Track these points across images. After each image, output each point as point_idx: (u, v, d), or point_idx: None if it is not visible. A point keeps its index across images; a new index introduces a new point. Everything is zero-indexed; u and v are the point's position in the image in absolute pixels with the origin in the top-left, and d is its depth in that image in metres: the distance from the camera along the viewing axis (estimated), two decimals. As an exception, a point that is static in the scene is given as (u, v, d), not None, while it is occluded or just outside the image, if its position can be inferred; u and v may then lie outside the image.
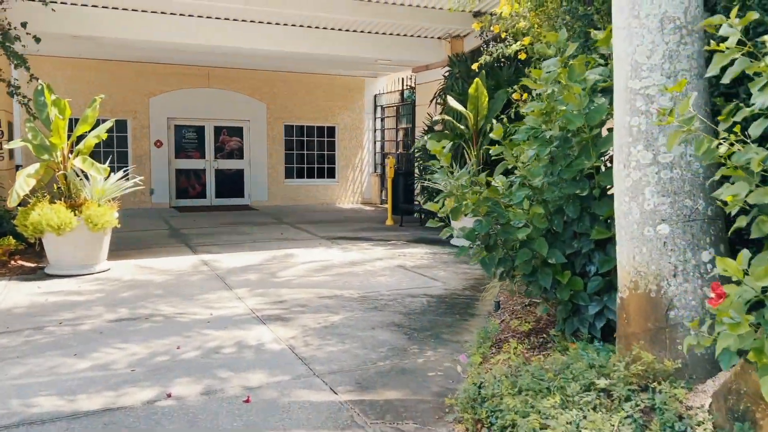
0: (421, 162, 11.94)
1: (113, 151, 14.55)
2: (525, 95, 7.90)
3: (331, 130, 16.65)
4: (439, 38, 12.45)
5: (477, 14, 11.15)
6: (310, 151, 16.51)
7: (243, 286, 6.60)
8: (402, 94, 15.48)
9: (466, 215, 4.15)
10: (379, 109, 16.78)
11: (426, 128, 12.06)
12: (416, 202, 12.44)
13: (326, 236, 10.44)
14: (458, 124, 9.52)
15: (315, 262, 8.05)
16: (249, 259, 8.23)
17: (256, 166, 15.71)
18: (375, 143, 16.98)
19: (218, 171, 15.50)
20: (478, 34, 11.41)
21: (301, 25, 11.29)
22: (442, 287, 6.55)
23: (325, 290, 6.40)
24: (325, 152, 16.67)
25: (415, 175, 12.30)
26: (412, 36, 12.28)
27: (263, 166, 15.78)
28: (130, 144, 14.60)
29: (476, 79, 9.08)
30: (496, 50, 10.38)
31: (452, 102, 9.12)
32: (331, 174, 16.75)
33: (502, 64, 10.53)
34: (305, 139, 16.42)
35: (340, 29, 11.62)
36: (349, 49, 11.74)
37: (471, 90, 9.18)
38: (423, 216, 12.07)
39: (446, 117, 9.43)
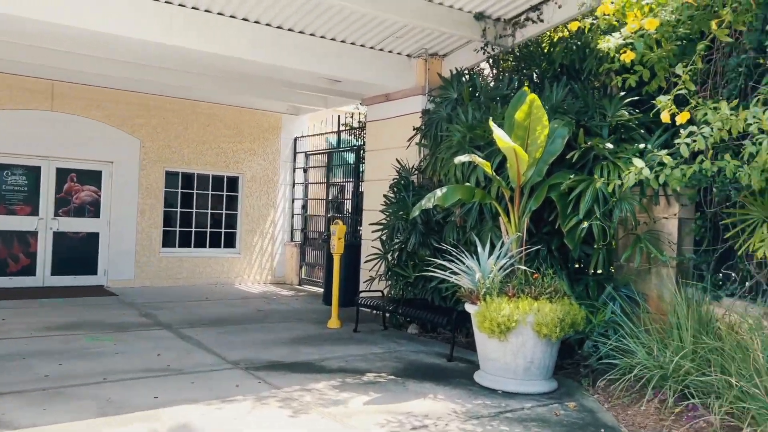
0: (388, 230, 7.80)
1: None
2: (684, 115, 4.09)
3: (233, 182, 12.09)
4: (408, 56, 8.63)
5: (479, 17, 7.50)
6: (202, 210, 11.79)
7: None
8: (338, 136, 11.41)
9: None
10: (300, 156, 12.53)
11: (397, 179, 7.99)
12: (371, 291, 8.14)
13: (243, 362, 5.86)
14: (492, 171, 5.54)
15: (247, 462, 3.54)
16: (87, 454, 3.55)
17: (119, 229, 10.70)
18: (293, 202, 12.61)
19: (59, 234, 10.30)
20: (480, 48, 7.74)
21: (195, 8, 6.96)
22: None
23: None
24: (224, 211, 12.01)
25: (377, 250, 8.08)
26: (372, 48, 8.35)
27: (130, 229, 10.80)
28: None
29: (531, 97, 5.21)
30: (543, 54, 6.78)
31: (499, 133, 5.13)
32: (231, 242, 12.06)
33: (535, 83, 6.84)
34: (195, 191, 11.70)
35: (260, 23, 7.42)
36: (272, 53, 7.51)
37: (519, 116, 5.29)
38: (387, 315, 7.83)
39: (478, 159, 5.40)
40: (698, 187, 4.96)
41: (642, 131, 5.78)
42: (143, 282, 10.86)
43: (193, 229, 11.67)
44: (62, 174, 10.33)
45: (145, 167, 10.95)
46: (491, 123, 5.16)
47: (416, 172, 8.12)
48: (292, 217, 12.60)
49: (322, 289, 11.24)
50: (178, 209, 11.51)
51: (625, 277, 5.84)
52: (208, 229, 11.83)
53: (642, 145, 5.59)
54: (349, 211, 11.16)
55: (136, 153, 10.84)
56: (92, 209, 10.58)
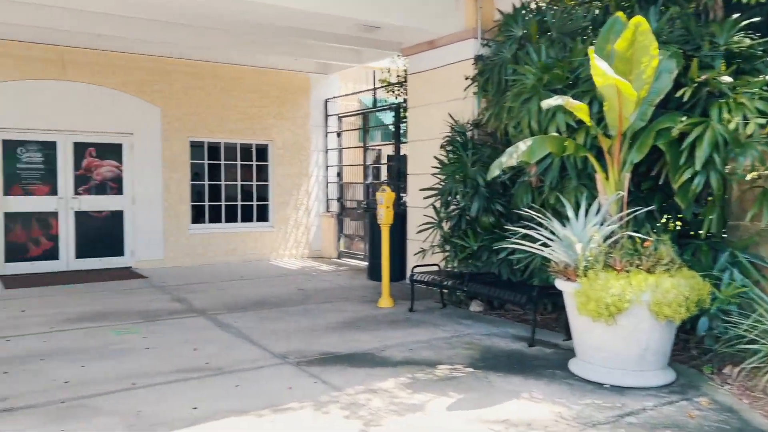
0: (442, 196, 6.83)
1: None
2: None
3: (263, 151, 11.21)
4: (455, -7, 7.54)
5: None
6: (231, 182, 10.96)
7: None
8: (374, 94, 10.40)
9: None
10: (333, 119, 11.56)
11: (450, 136, 6.99)
12: (426, 265, 7.19)
13: (292, 355, 5.03)
14: (588, 117, 4.51)
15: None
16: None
17: (144, 206, 9.95)
18: (327, 169, 11.70)
19: (81, 214, 9.58)
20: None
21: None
22: None
23: None
24: (254, 183, 11.18)
25: (431, 219, 7.14)
26: (413, -13, 7.28)
27: (156, 206, 10.04)
28: None
29: (635, 20, 4.14)
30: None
31: (602, 65, 4.09)
32: (263, 215, 11.25)
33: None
34: (223, 162, 10.86)
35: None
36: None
37: (620, 45, 4.23)
38: (445, 291, 6.91)
39: (572, 102, 4.37)
40: None
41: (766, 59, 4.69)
42: (173, 262, 10.14)
43: (223, 203, 10.86)
44: (80, 149, 9.54)
45: (168, 138, 10.11)
46: (592, 53, 4.11)
47: (471, 127, 7.11)
48: (327, 185, 11.71)
49: (363, 263, 10.45)
50: (206, 182, 10.70)
51: (743, 240, 4.82)
52: (239, 203, 11.02)
53: (770, 77, 4.52)
54: (387, 176, 10.25)
55: (157, 122, 9.99)
56: (114, 186, 9.81)
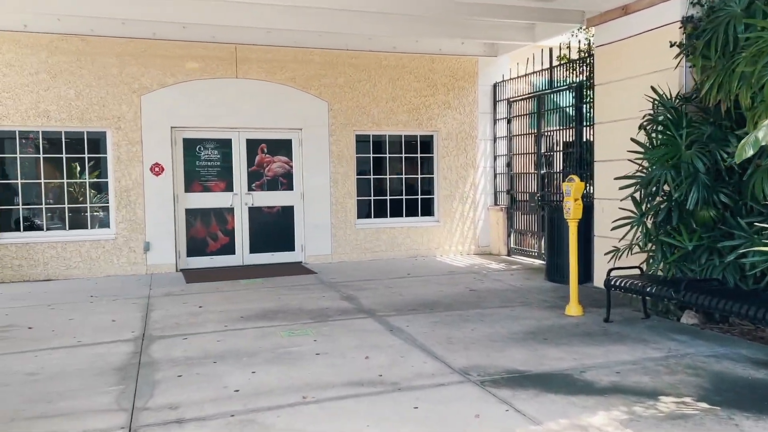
0: (643, 185, 5.74)
1: (85, 182, 9.08)
2: None
3: (427, 142, 10.70)
4: (656, -53, 6.34)
5: None
6: (396, 175, 10.60)
7: None
8: (550, 74, 9.37)
9: None
10: (502, 105, 10.72)
11: (651, 116, 5.86)
12: (624, 269, 6.11)
13: (473, 371, 4.38)
14: None
15: None
16: None
17: (313, 201, 9.90)
18: (495, 159, 10.89)
19: (254, 210, 9.77)
20: None
21: None
22: None
23: None
24: (419, 176, 10.71)
25: (630, 212, 6.07)
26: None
27: (324, 201, 9.95)
28: (110, 170, 9.08)
29: None
30: None
31: None
32: (428, 209, 10.74)
33: None
34: (387, 155, 10.52)
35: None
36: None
37: None
38: (647, 299, 5.81)
39: None
40: None
41: None
42: (341, 257, 10.00)
43: (388, 197, 10.53)
44: (252, 145, 9.71)
45: (335, 132, 9.97)
46: None
47: (680, 102, 5.91)
48: (495, 177, 10.91)
49: (536, 261, 9.56)
50: (371, 176, 10.44)
51: None
52: (404, 197, 10.62)
53: None
54: (563, 165, 9.21)
55: (324, 117, 9.89)
56: (285, 181, 9.88)
